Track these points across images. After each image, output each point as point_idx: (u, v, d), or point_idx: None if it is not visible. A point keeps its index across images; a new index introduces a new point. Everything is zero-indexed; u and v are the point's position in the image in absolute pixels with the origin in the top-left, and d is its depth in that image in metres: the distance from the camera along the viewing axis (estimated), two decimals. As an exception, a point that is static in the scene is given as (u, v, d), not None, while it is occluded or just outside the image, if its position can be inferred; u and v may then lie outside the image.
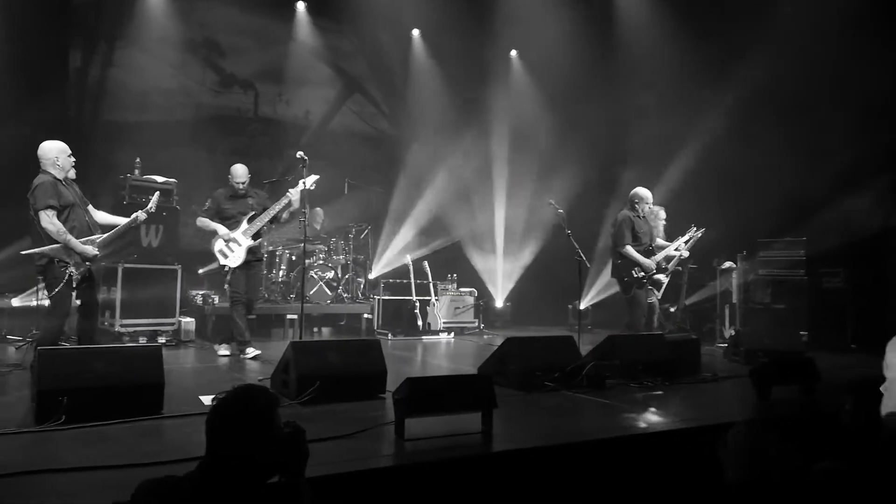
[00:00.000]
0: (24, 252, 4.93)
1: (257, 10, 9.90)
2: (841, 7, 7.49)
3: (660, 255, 6.69)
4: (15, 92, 7.60)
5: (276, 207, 6.20)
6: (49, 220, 4.67)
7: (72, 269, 4.72)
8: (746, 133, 8.63)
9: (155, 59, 9.40)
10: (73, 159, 4.96)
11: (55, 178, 4.81)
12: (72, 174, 4.94)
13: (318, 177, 6.17)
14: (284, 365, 4.36)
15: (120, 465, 2.73)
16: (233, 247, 6.09)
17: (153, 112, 9.37)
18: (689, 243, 6.96)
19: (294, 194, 6.07)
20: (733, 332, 7.69)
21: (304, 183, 6.02)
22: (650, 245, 6.69)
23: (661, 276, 6.70)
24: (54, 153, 4.85)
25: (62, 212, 4.77)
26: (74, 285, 4.78)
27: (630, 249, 6.51)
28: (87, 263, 4.82)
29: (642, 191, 6.77)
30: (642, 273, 6.51)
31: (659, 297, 7.01)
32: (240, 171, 6.35)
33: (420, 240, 10.24)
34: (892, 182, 7.63)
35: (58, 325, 4.82)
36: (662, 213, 7.41)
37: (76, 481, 2.61)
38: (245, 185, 6.34)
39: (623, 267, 6.61)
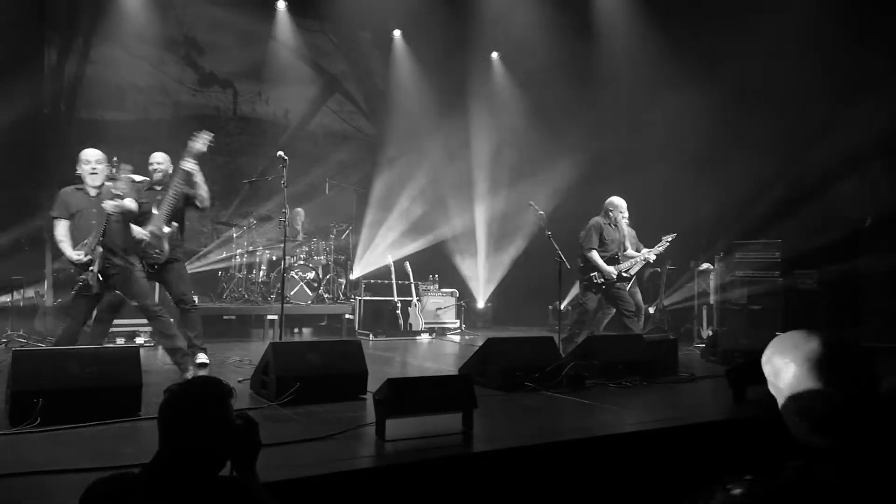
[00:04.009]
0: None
1: (237, 8, 9.81)
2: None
3: (625, 265, 6.75)
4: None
5: (178, 184, 5.34)
6: (55, 230, 4.90)
7: (83, 276, 4.77)
8: (724, 134, 8.75)
9: (132, 57, 9.29)
10: (89, 166, 4.93)
11: (76, 187, 4.96)
12: (92, 180, 4.93)
13: (212, 134, 5.36)
14: (264, 366, 4.33)
15: (95, 467, 2.69)
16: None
17: (130, 110, 9.27)
18: (654, 249, 7.03)
19: (188, 163, 5.30)
20: (711, 333, 7.79)
21: (194, 143, 5.25)
22: (617, 254, 6.77)
23: (620, 288, 6.71)
24: (79, 160, 4.96)
25: (71, 219, 4.90)
26: (77, 290, 4.78)
27: (594, 254, 6.63)
28: (90, 269, 4.77)
29: (617, 200, 6.88)
30: (602, 279, 6.61)
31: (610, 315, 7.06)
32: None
33: (401, 240, 10.23)
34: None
35: (71, 329, 4.84)
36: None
37: (50, 484, 2.58)
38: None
39: (584, 270, 6.75)
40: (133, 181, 7.08)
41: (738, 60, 8.44)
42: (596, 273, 6.64)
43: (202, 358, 5.50)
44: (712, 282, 8.53)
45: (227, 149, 10.10)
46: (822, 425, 1.37)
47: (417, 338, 8.60)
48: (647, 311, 8.31)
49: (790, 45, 7.80)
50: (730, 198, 8.60)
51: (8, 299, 6.95)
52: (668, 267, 8.71)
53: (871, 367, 1.40)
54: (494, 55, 11.54)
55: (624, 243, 6.90)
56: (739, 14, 8.44)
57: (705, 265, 8.65)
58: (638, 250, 6.98)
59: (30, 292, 7.17)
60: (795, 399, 1.40)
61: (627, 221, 7.36)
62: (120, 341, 6.51)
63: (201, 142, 5.27)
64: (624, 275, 6.69)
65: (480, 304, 10.61)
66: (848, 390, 1.37)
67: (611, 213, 6.83)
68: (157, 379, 4.55)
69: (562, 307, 7.63)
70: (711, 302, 8.50)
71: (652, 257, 6.97)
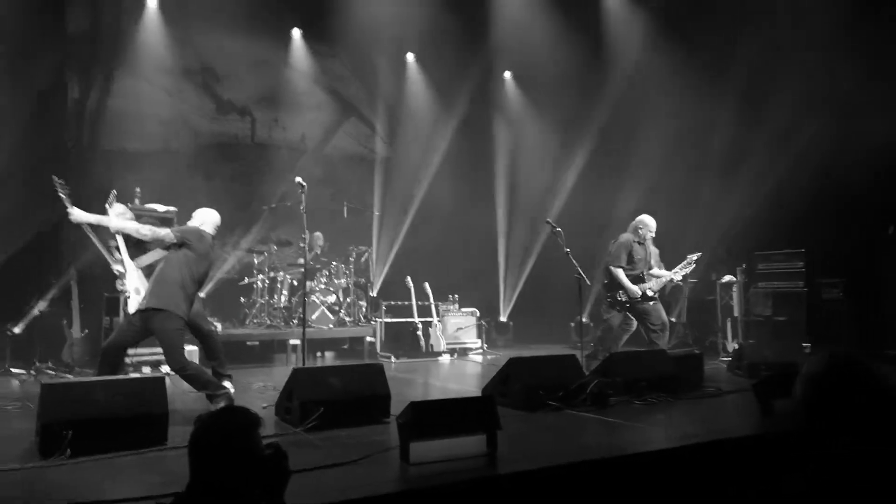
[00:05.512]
0: None
1: (253, 37, 10.00)
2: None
3: (649, 283, 6.67)
4: (15, 123, 7.67)
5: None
6: None
7: None
8: (743, 141, 8.71)
9: (152, 88, 9.48)
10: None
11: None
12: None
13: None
14: (288, 392, 4.36)
15: (126, 498, 2.73)
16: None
17: (151, 140, 9.43)
18: (679, 267, 6.94)
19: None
20: (736, 346, 7.69)
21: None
22: (642, 273, 6.71)
23: (646, 305, 6.63)
24: None
25: None
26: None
27: (620, 272, 6.58)
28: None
29: (648, 218, 6.83)
30: (625, 297, 6.55)
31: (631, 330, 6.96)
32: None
33: (420, 260, 10.24)
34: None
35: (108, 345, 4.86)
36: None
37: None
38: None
39: (609, 287, 6.70)
40: (157, 211, 7.23)
41: (751, 66, 8.42)
42: (621, 291, 6.59)
43: (227, 386, 5.50)
44: (735, 294, 8.43)
45: (245, 175, 10.24)
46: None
47: (439, 359, 8.59)
48: (671, 322, 8.21)
49: (806, 43, 7.73)
50: (751, 207, 8.52)
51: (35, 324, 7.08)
52: (690, 280, 8.62)
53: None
54: (507, 74, 11.62)
55: (650, 262, 6.85)
56: (752, 15, 8.41)
57: (728, 277, 8.55)
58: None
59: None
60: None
61: (651, 240, 7.31)
62: (146, 370, 6.58)
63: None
64: (649, 294, 6.62)
65: (503, 318, 10.61)
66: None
67: (640, 231, 6.77)
68: (183, 407, 4.60)
69: (583, 320, 7.57)
70: (735, 314, 8.39)
71: (678, 277, 6.92)
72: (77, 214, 4.99)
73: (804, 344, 7.43)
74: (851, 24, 7.49)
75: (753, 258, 8.49)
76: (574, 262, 6.41)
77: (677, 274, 6.84)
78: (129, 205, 7.02)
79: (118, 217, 5.38)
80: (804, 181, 7.89)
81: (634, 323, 6.74)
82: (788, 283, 8.14)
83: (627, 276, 6.60)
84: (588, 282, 6.56)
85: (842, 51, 7.54)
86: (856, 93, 7.58)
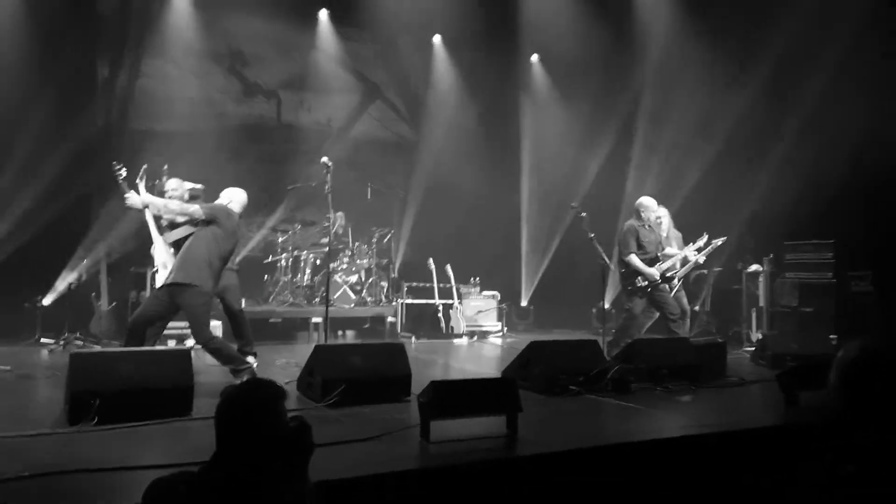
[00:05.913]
0: None
1: (280, 19, 10.00)
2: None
3: (666, 264, 6.58)
4: (45, 101, 7.78)
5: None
6: None
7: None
8: (772, 128, 8.54)
9: (180, 69, 9.54)
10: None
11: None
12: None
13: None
14: (310, 369, 4.41)
15: (150, 465, 2.78)
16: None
17: (178, 121, 9.49)
18: (703, 251, 6.83)
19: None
20: (760, 336, 7.59)
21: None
22: (656, 254, 6.61)
23: (665, 286, 6.54)
24: None
25: None
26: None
27: (633, 258, 6.49)
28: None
29: (647, 200, 6.72)
30: (646, 282, 6.47)
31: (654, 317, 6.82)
32: None
33: (443, 242, 10.25)
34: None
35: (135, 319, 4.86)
36: (663, 210, 7.16)
37: (107, 481, 2.67)
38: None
39: (627, 276, 6.61)
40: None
41: (780, 53, 8.24)
42: (639, 277, 6.51)
43: (251, 361, 5.55)
44: (762, 283, 8.30)
45: (271, 156, 10.29)
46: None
47: (458, 340, 8.61)
48: (691, 309, 8.11)
49: (838, 24, 7.53)
50: (779, 196, 8.36)
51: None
52: (715, 269, 8.51)
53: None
54: (535, 57, 11.48)
55: (661, 244, 6.76)
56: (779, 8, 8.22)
57: (754, 266, 8.42)
58: None
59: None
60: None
61: (672, 223, 7.20)
62: (171, 343, 6.69)
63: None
64: (668, 275, 6.54)
65: (524, 302, 10.58)
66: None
67: (642, 214, 6.67)
68: (207, 380, 4.67)
69: (605, 306, 7.51)
70: (761, 304, 8.27)
71: (693, 257, 6.79)
72: (133, 199, 4.98)
73: (831, 336, 7.30)
74: (882, 9, 7.28)
75: (781, 248, 8.34)
76: (598, 247, 6.36)
77: (690, 252, 6.73)
78: (156, 182, 7.12)
79: (170, 192, 5.50)
80: (834, 170, 7.71)
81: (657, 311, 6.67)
82: (817, 274, 7.98)
83: (641, 260, 6.52)
84: (612, 267, 6.50)
85: (872, 37, 7.34)
86: (886, 81, 7.38)
